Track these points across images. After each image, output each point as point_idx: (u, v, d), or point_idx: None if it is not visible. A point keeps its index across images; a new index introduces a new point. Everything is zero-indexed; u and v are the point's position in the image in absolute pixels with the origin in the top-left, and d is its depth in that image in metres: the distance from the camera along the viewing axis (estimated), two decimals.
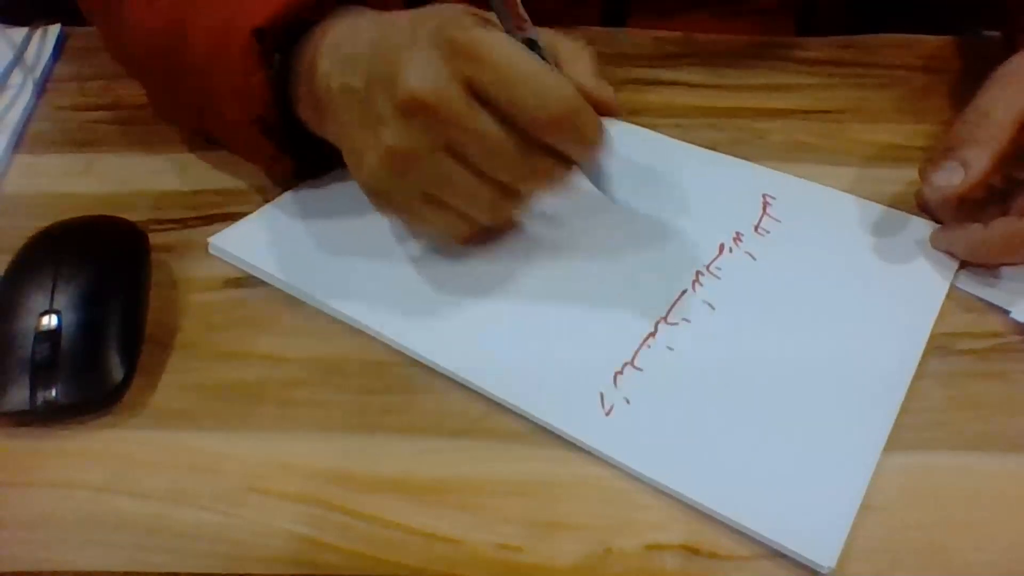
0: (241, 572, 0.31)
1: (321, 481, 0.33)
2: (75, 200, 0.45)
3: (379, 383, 0.37)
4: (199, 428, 0.35)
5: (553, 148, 0.34)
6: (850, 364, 0.37)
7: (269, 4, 0.38)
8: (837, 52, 0.57)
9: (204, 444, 0.35)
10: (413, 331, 0.38)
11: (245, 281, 0.41)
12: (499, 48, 0.33)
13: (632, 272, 0.41)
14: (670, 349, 0.38)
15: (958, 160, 0.39)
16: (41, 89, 0.54)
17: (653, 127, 0.50)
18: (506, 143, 0.34)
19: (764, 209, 0.45)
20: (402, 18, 0.36)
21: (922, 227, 0.44)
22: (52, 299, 0.36)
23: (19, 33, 0.57)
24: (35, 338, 0.35)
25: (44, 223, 0.41)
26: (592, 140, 0.34)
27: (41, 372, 0.35)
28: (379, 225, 0.43)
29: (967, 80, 0.54)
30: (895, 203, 0.46)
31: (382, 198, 0.38)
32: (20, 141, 0.50)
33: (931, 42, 0.59)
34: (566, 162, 0.36)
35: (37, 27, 0.58)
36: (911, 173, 0.44)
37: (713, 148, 0.49)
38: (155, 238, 0.42)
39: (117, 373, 0.36)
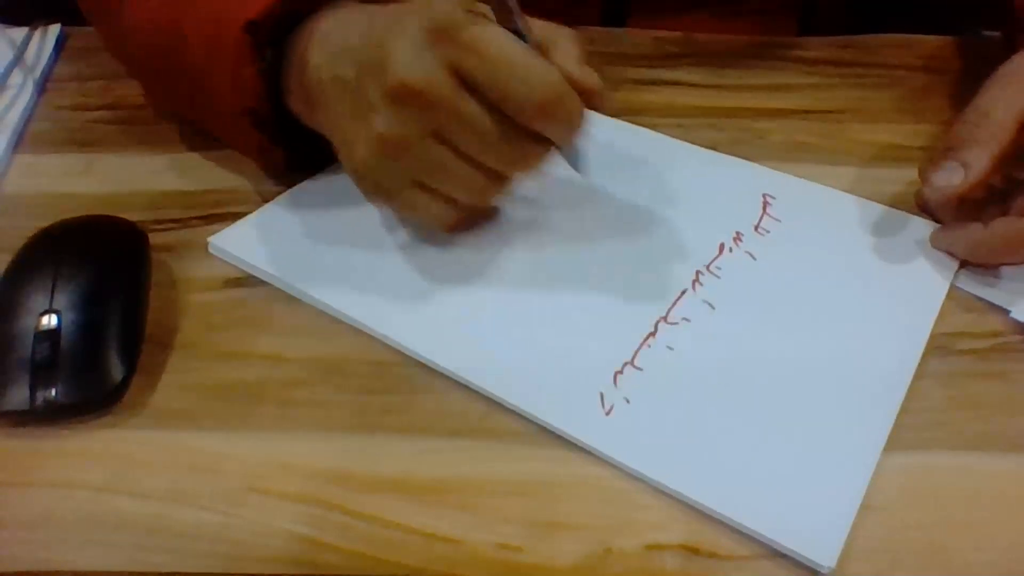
0: (241, 572, 0.31)
1: (321, 481, 0.33)
2: (75, 200, 0.45)
3: (379, 383, 0.37)
4: (199, 428, 0.35)
5: (536, 132, 0.35)
6: (850, 364, 0.37)
7: None
8: (837, 52, 0.57)
9: (204, 444, 0.35)
10: (413, 331, 0.38)
11: (245, 281, 0.41)
12: (487, 36, 0.34)
13: (632, 272, 0.41)
14: (670, 349, 0.38)
15: (958, 160, 0.39)
16: (41, 89, 0.54)
17: (653, 127, 0.50)
18: (493, 129, 0.35)
19: (764, 209, 0.45)
20: (392, 10, 0.36)
21: (922, 227, 0.44)
22: (52, 299, 0.36)
23: (19, 33, 0.57)
24: (35, 338, 0.35)
25: (44, 223, 0.41)
26: (576, 125, 0.36)
27: (41, 372, 0.35)
28: (379, 225, 0.43)
29: (967, 80, 0.54)
30: (895, 203, 0.46)
31: (372, 185, 0.38)
32: (20, 141, 0.50)
33: (931, 42, 0.59)
34: (547, 145, 0.37)
35: (37, 27, 0.58)
36: (911, 173, 0.44)
37: (713, 148, 0.49)
38: (155, 238, 0.42)
39: (117, 373, 0.36)
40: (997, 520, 0.32)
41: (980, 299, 0.41)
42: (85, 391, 0.35)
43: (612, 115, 0.50)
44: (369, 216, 0.43)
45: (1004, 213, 0.41)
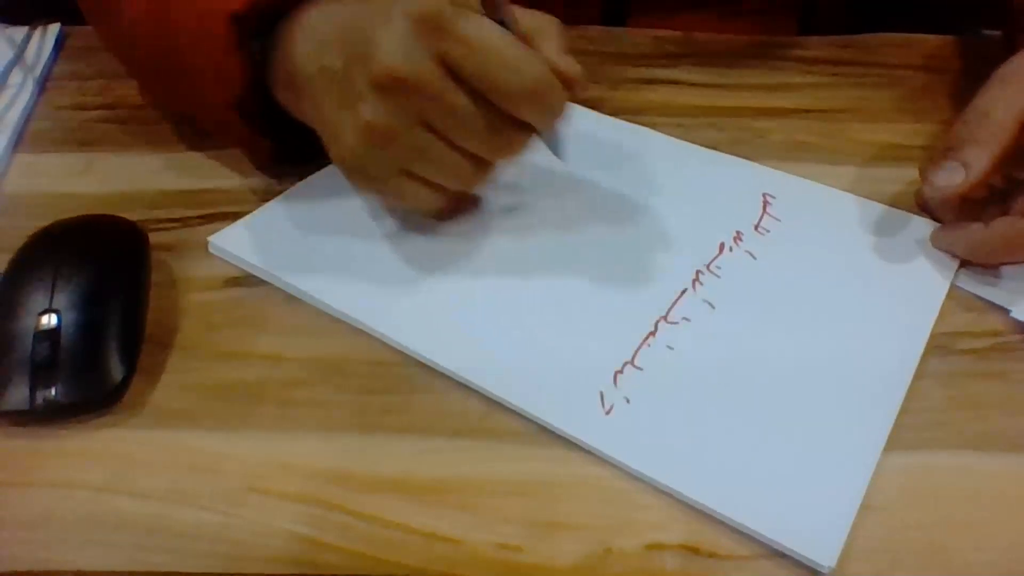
0: (241, 572, 0.31)
1: (321, 481, 0.33)
2: (75, 200, 0.45)
3: (379, 383, 0.37)
4: (199, 428, 0.35)
5: (519, 120, 0.36)
6: (850, 364, 0.37)
7: None
8: (837, 52, 0.57)
9: (204, 444, 0.35)
10: (413, 330, 0.38)
11: (245, 280, 0.41)
12: (473, 26, 0.34)
13: (632, 271, 0.41)
14: (670, 348, 0.38)
15: (958, 160, 0.39)
16: (41, 88, 0.54)
17: (653, 127, 0.50)
18: (479, 116, 0.35)
19: (764, 208, 0.45)
20: (377, 0, 0.37)
21: (922, 226, 0.44)
22: (52, 298, 0.36)
23: (19, 32, 0.57)
24: (35, 337, 0.35)
25: (44, 223, 0.41)
26: (559, 113, 0.37)
27: (41, 372, 0.35)
28: (379, 224, 0.43)
29: (967, 80, 0.54)
30: (895, 203, 0.46)
31: (359, 174, 0.39)
32: (20, 140, 0.50)
33: (931, 42, 0.59)
34: (529, 131, 0.37)
35: (37, 26, 0.58)
36: (911, 173, 0.44)
37: (713, 147, 0.49)
38: (155, 238, 0.42)
39: (117, 373, 0.36)
40: (997, 520, 0.32)
41: (980, 299, 0.41)
42: (85, 391, 0.35)
43: (611, 114, 0.51)
44: (369, 215, 0.43)
45: (1004, 213, 0.41)
